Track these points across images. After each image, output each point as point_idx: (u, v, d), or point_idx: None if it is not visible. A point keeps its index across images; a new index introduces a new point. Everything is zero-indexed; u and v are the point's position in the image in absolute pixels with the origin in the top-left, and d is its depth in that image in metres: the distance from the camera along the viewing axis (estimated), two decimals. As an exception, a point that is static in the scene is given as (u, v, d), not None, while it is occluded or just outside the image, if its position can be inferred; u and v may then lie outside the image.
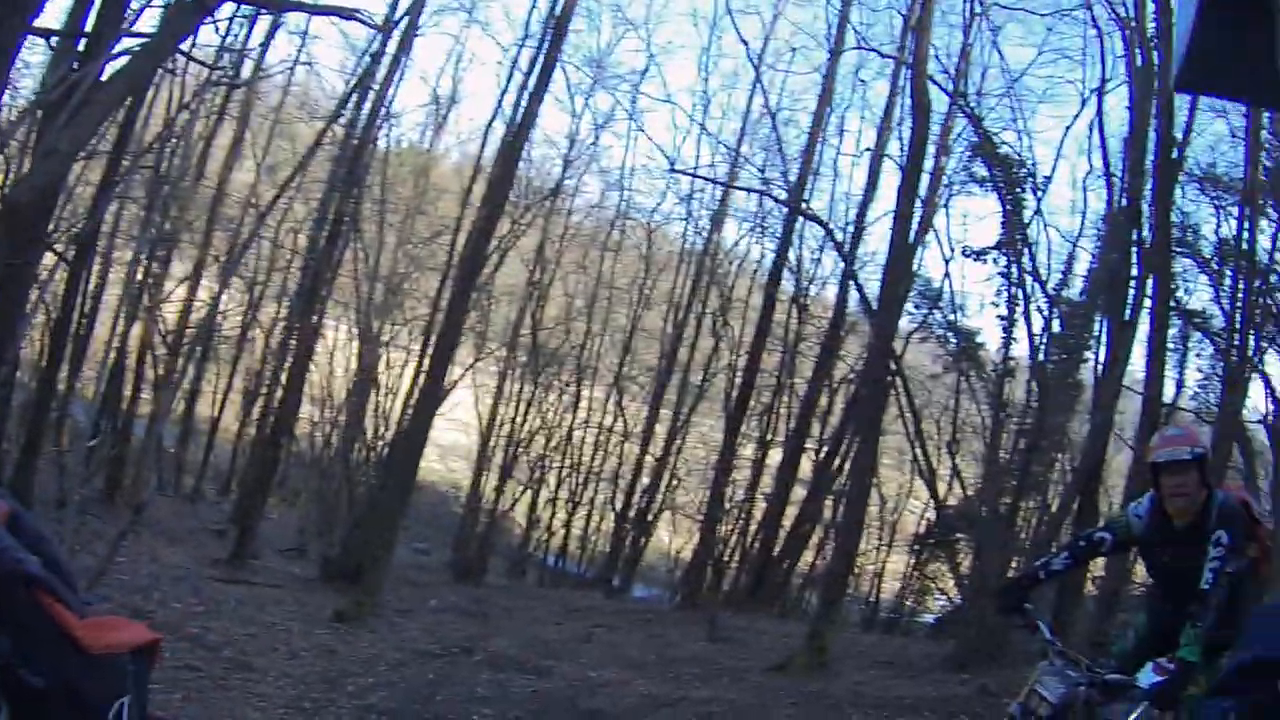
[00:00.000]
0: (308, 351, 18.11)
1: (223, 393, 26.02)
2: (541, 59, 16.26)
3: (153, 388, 18.62)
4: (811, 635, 12.94)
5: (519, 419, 26.34)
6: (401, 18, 17.94)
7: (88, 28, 9.00)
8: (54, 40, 9.32)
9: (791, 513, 22.39)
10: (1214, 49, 1.43)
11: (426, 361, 18.54)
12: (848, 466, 20.29)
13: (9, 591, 1.95)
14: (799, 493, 22.88)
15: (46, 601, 1.99)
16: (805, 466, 23.45)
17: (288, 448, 20.82)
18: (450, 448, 35.27)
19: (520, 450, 26.56)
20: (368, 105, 18.07)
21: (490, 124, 23.03)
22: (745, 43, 22.93)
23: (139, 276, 16.65)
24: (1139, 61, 14.88)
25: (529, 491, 27.18)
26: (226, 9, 12.63)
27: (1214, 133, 16.64)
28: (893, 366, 16.36)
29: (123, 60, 8.28)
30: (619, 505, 26.66)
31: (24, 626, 1.94)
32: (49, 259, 10.15)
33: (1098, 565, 14.32)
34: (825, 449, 23.02)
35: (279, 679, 10.08)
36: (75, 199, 12.47)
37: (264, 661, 10.56)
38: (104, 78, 8.20)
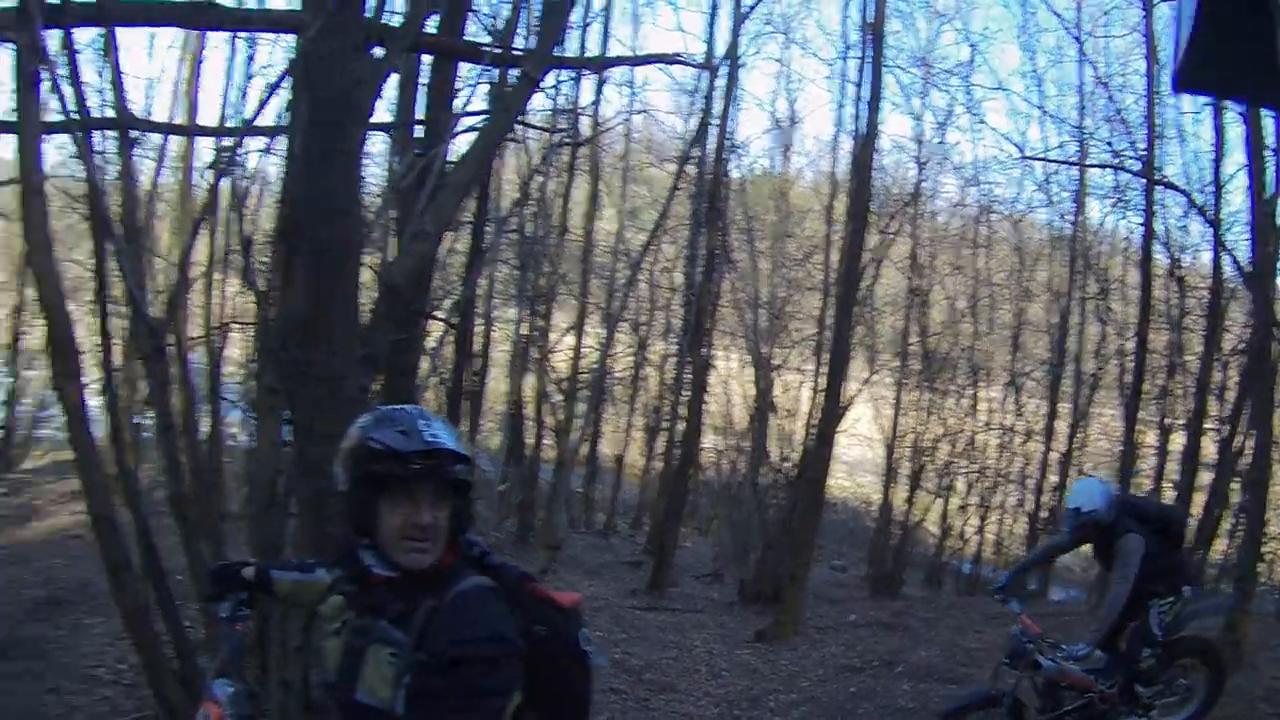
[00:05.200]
0: (702, 383, 18.50)
1: (624, 431, 26.88)
2: (869, 67, 16.09)
3: (554, 433, 19.66)
4: (1227, 626, 12.19)
5: (920, 428, 25.99)
6: (724, 59, 18.26)
7: (419, 115, 9.74)
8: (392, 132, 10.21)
9: (1199, 500, 21.14)
10: (1214, 49, 1.42)
11: (822, 381, 18.66)
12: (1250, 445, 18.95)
13: (517, 589, 2.85)
14: (1204, 478, 21.61)
15: (530, 587, 2.90)
16: (1209, 448, 22.13)
17: (695, 477, 21.31)
18: (857, 463, 35.18)
19: (926, 459, 26.21)
20: (712, 141, 18.38)
21: (836, 138, 22.99)
22: (1058, 15, 21.89)
23: (524, 331, 17.61)
24: None
25: (939, 500, 26.76)
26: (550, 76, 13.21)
27: None
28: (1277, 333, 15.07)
29: (466, 138, 8.94)
30: (1029, 506, 25.91)
31: (526, 604, 2.84)
32: (436, 329, 10.97)
33: None
34: (1226, 428, 21.64)
35: (701, 698, 10.43)
36: (448, 268, 13.43)
37: (686, 683, 10.92)
38: (450, 158, 8.91)
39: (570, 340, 20.75)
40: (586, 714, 2.98)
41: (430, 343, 10.29)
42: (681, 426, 19.22)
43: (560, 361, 20.77)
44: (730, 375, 24.14)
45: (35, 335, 29.13)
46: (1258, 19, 1.36)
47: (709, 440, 22.86)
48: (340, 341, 6.02)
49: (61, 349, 6.46)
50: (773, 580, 15.93)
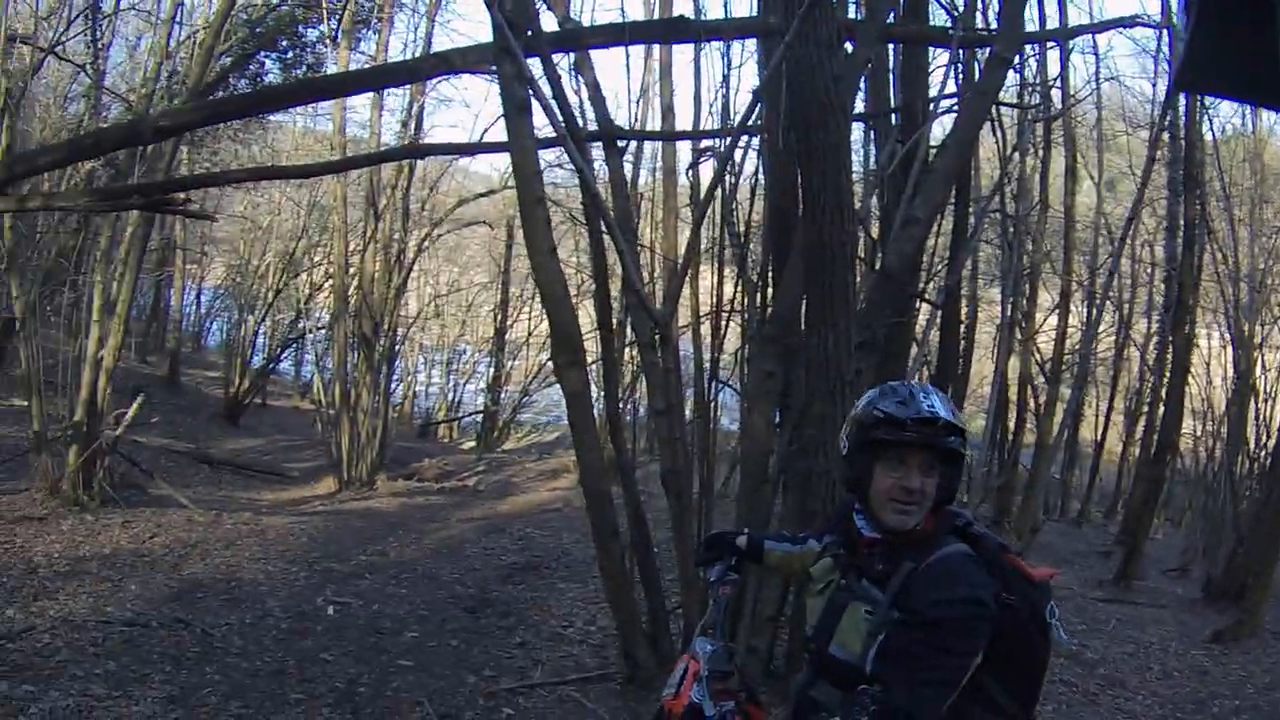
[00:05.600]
0: (1184, 364, 17.66)
1: (1104, 415, 25.97)
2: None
3: (1035, 416, 19.37)
4: None
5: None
6: (1182, 16, 17.09)
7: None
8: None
9: None
10: (1214, 49, 1.41)
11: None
12: None
13: (996, 559, 3.02)
14: None
15: (1008, 557, 3.05)
16: None
17: (1171, 465, 20.34)
18: (1331, 452, 32.30)
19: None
20: (1183, 104, 17.34)
21: (1291, 92, 20.93)
22: None
23: (1008, 312, 17.49)
24: None
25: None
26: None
27: None
28: None
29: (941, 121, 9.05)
30: None
31: (1003, 574, 2.99)
32: (923, 312, 11.11)
33: None
34: None
35: (1148, 698, 10.21)
36: (933, 250, 13.46)
37: (1137, 680, 10.69)
38: (933, 145, 9.03)
39: (1054, 321, 20.21)
40: (1040, 685, 3.12)
41: (918, 326, 10.43)
42: (1161, 410, 18.42)
43: (1044, 343, 20.28)
44: (1211, 355, 22.83)
45: (519, 329, 31.46)
46: (1258, 19, 1.39)
47: (1189, 425, 21.70)
48: (836, 328, 6.34)
49: (565, 339, 7.12)
50: (1239, 577, 15.11)
